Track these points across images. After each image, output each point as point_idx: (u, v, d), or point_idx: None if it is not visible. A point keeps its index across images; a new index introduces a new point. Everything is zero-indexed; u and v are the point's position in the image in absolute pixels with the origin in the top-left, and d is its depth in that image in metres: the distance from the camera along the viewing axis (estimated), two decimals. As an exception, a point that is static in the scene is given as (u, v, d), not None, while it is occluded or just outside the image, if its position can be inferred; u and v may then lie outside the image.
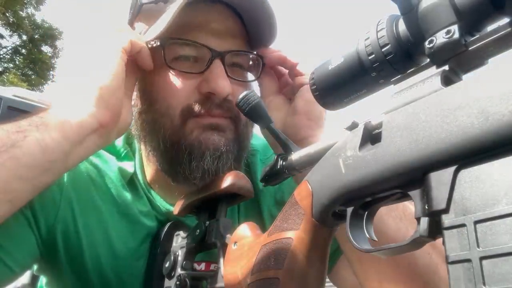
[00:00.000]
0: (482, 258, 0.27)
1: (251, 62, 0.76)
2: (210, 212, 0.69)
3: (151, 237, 0.78)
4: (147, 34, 0.71)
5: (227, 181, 0.65)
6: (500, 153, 0.28)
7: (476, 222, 0.29)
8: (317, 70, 0.52)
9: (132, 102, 0.74)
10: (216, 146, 0.67)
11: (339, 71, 0.48)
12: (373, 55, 0.43)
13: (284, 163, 0.54)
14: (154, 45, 0.67)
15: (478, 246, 0.28)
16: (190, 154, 0.67)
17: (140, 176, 0.79)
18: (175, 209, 0.74)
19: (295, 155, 0.53)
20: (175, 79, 0.68)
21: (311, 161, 0.50)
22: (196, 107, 0.67)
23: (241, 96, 0.56)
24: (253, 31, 0.73)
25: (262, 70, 0.76)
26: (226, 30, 0.70)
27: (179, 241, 0.73)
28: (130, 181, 0.78)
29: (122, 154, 0.80)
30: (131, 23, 0.76)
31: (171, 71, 0.69)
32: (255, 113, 0.56)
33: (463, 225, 0.29)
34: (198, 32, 0.67)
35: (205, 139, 0.67)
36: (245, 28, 0.73)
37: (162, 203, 0.79)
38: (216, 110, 0.68)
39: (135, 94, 0.73)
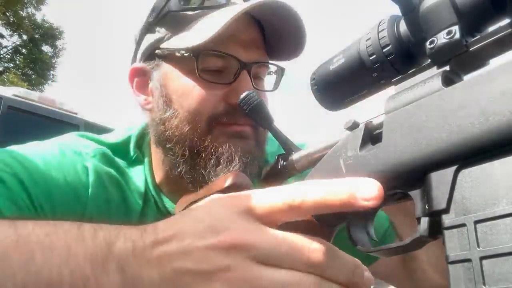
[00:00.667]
0: (482, 258, 0.28)
1: (270, 72, 0.78)
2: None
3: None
4: (172, 42, 0.71)
5: (228, 181, 0.64)
6: (501, 153, 0.28)
7: (476, 222, 0.29)
8: (318, 70, 0.52)
9: (150, 106, 0.75)
10: (245, 151, 0.68)
11: (340, 72, 0.48)
12: (374, 56, 0.43)
13: (285, 163, 0.55)
14: (185, 54, 0.67)
15: (478, 246, 0.28)
16: (218, 159, 0.67)
17: (148, 178, 0.79)
18: (176, 210, 0.74)
19: (296, 155, 0.53)
20: (203, 88, 0.69)
21: (312, 161, 0.51)
22: (222, 116, 0.68)
23: (242, 96, 0.56)
24: (275, 43, 0.74)
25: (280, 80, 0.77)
26: (252, 41, 0.71)
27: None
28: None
29: (133, 158, 0.80)
30: (150, 26, 0.75)
31: (200, 80, 0.69)
32: (257, 113, 0.56)
33: (463, 225, 0.29)
34: (227, 43, 0.68)
35: (234, 145, 0.68)
36: (265, 37, 0.74)
37: (171, 205, 0.79)
38: (242, 119, 0.68)
39: (159, 99, 0.73)
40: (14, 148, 0.69)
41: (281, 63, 0.77)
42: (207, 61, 0.68)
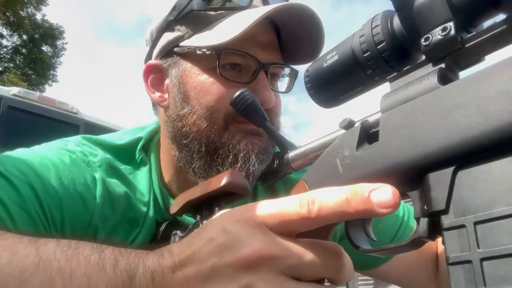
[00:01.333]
0: (482, 260, 0.27)
1: (284, 75, 0.79)
2: (208, 211, 0.69)
3: (149, 237, 0.78)
4: (193, 40, 0.71)
5: (224, 179, 0.64)
6: (500, 153, 0.28)
7: (476, 223, 0.28)
8: (311, 67, 0.52)
9: (165, 102, 0.75)
10: (260, 149, 0.68)
11: (334, 69, 0.47)
12: (368, 53, 0.43)
13: (280, 161, 0.54)
14: (207, 52, 0.68)
15: (478, 247, 0.28)
16: (236, 156, 0.68)
17: (154, 179, 0.79)
18: (172, 209, 0.74)
19: (292, 154, 0.53)
20: (222, 86, 0.69)
21: (308, 159, 0.50)
22: (238, 115, 0.67)
23: (236, 94, 0.55)
24: (292, 46, 0.75)
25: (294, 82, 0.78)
26: (269, 42, 0.72)
27: (177, 240, 0.73)
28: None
29: (138, 160, 0.80)
30: (169, 25, 0.74)
31: (219, 78, 0.69)
32: (251, 111, 0.56)
33: (463, 226, 0.29)
34: (247, 43, 0.68)
35: (251, 143, 0.68)
36: (280, 39, 0.75)
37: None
38: None
39: (176, 95, 0.73)
40: (27, 153, 0.69)
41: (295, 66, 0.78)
42: (228, 59, 0.68)
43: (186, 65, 0.72)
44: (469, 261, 0.28)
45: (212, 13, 0.70)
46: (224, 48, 0.67)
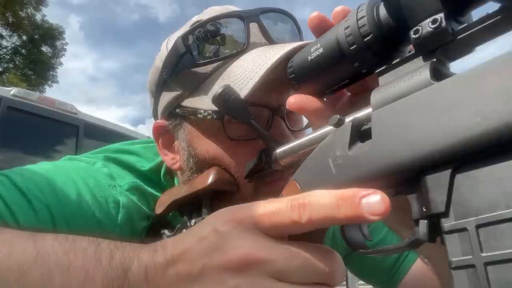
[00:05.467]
0: (486, 264, 0.27)
1: None
2: (195, 210, 0.67)
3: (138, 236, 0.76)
4: (192, 100, 0.64)
5: (211, 178, 0.63)
6: (501, 153, 0.27)
7: (478, 226, 0.28)
8: (295, 59, 0.50)
9: (177, 165, 0.70)
10: None
11: (319, 62, 0.45)
12: (355, 46, 0.41)
13: (268, 158, 0.53)
14: (208, 117, 0.60)
15: (481, 251, 0.27)
16: None
17: None
18: (158, 209, 0.72)
19: (279, 150, 0.51)
20: (236, 148, 0.62)
21: (297, 156, 0.49)
22: (264, 175, 0.60)
23: (218, 92, 0.53)
24: None
25: None
26: (278, 79, 0.58)
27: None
28: None
29: (164, 184, 0.76)
30: (165, 83, 0.67)
31: (229, 141, 0.62)
32: (233, 108, 0.54)
33: (464, 229, 0.28)
34: (253, 91, 0.56)
35: None
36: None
37: None
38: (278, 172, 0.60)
39: (188, 160, 0.67)
40: (52, 170, 0.65)
41: None
42: (233, 120, 0.60)
43: (192, 128, 0.66)
44: (472, 266, 0.28)
45: (208, 67, 0.62)
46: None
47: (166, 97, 0.68)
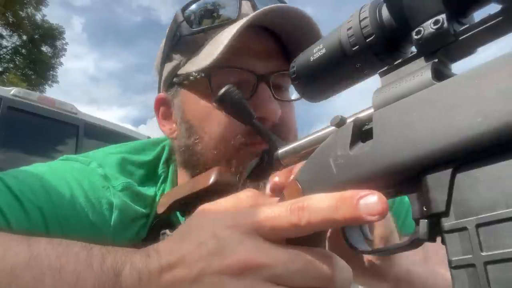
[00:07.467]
0: (486, 263, 0.27)
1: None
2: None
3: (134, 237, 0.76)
4: (187, 67, 0.68)
5: (212, 178, 0.63)
6: (501, 153, 0.27)
7: (478, 225, 0.28)
8: (297, 61, 0.50)
9: (174, 134, 0.73)
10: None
11: (321, 63, 0.46)
12: (357, 46, 0.41)
13: (270, 158, 0.53)
14: (198, 76, 0.65)
15: (481, 250, 0.27)
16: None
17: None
18: (159, 208, 0.72)
19: (281, 150, 0.51)
20: (220, 111, 0.65)
21: (298, 156, 0.49)
22: (247, 137, 0.64)
23: (221, 91, 0.53)
24: (293, 52, 0.69)
25: None
26: (267, 51, 0.67)
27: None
28: None
29: (161, 179, 0.78)
30: (167, 55, 0.72)
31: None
32: (237, 109, 0.54)
33: (464, 229, 0.29)
34: (239, 56, 0.64)
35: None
36: (284, 47, 0.70)
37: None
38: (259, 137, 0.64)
39: (181, 125, 0.71)
40: (45, 171, 0.66)
41: None
42: (221, 80, 0.64)
43: (185, 94, 0.70)
44: (472, 265, 0.28)
45: (202, 34, 0.67)
46: (213, 68, 0.63)
47: (167, 68, 0.73)
